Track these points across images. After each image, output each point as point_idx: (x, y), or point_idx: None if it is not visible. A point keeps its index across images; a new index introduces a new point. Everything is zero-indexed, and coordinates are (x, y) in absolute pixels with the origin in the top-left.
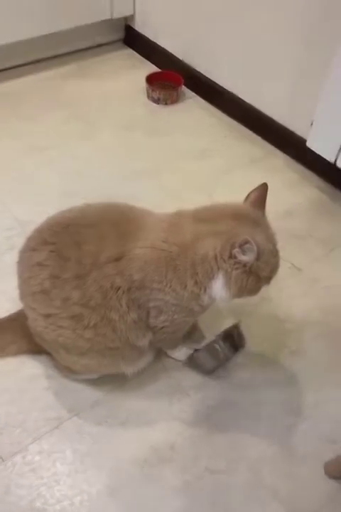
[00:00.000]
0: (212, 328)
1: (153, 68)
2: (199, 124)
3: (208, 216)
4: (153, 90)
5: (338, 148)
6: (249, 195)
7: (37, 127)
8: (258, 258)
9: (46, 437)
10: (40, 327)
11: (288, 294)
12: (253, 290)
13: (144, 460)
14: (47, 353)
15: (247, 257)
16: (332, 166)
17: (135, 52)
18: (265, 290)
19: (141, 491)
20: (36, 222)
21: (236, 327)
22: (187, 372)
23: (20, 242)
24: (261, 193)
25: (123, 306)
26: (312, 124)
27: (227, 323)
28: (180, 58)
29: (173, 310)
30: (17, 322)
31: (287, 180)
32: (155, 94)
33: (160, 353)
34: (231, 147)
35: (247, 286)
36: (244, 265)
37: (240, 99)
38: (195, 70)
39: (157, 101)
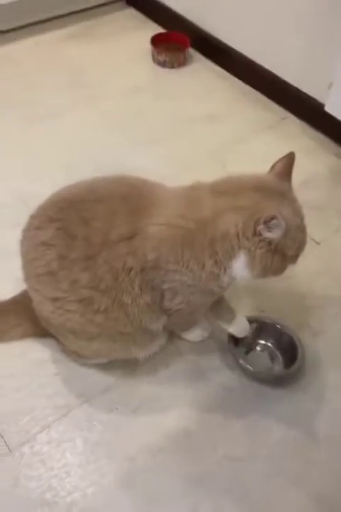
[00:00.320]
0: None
1: (157, 29)
2: (209, 89)
3: (229, 189)
4: (158, 53)
5: None
6: (274, 165)
7: (37, 94)
8: (285, 235)
9: (55, 426)
10: (46, 311)
11: (307, 269)
12: (279, 270)
13: (158, 448)
14: (54, 337)
15: (273, 234)
16: None
17: (138, 12)
18: (290, 269)
19: (156, 480)
20: (40, 197)
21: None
22: (202, 354)
23: (23, 218)
24: (287, 163)
25: (136, 288)
26: (330, 87)
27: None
28: (188, 18)
29: (190, 291)
30: (21, 304)
31: (304, 147)
32: (161, 57)
33: (173, 336)
34: (243, 113)
35: (272, 266)
36: (269, 243)
37: (252, 61)
38: (203, 30)
39: (163, 64)
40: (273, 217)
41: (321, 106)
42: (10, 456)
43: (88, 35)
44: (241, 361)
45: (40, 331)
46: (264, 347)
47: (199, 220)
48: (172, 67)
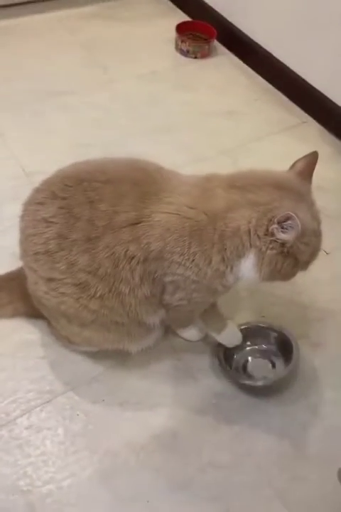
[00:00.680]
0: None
1: (184, 18)
2: (230, 83)
3: (245, 183)
4: (182, 41)
5: None
6: (295, 163)
7: (53, 69)
8: (299, 238)
9: (37, 411)
10: (40, 291)
11: (314, 278)
12: (288, 275)
13: (141, 446)
14: (46, 319)
15: (287, 236)
16: None
17: None
18: (300, 276)
19: (136, 479)
20: (45, 174)
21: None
22: (196, 355)
23: (25, 193)
24: (309, 163)
25: (136, 278)
26: None
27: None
28: (215, 9)
29: (193, 288)
30: (15, 282)
31: (321, 153)
32: (185, 46)
33: (168, 331)
34: (262, 111)
35: (281, 270)
36: (282, 245)
37: (277, 60)
38: (231, 23)
39: (186, 53)
40: (288, 218)
41: None
42: None
43: (112, 16)
44: (241, 381)
45: (32, 311)
46: (257, 351)
47: (210, 213)
48: (195, 57)
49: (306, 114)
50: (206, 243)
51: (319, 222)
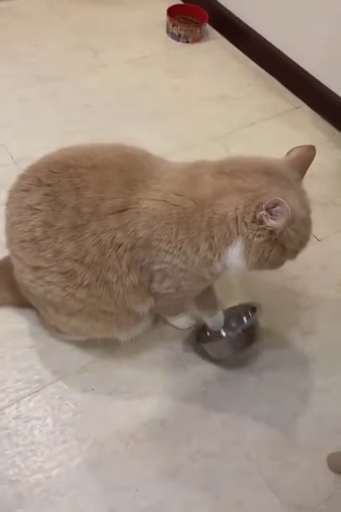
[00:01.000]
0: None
1: (175, 1)
2: (222, 68)
3: (234, 169)
4: (173, 25)
5: None
6: (290, 151)
7: (42, 53)
8: (288, 226)
9: (25, 401)
10: (26, 280)
11: (305, 265)
12: (275, 264)
13: (131, 435)
14: (34, 308)
15: (276, 223)
16: None
17: None
18: (291, 263)
19: (125, 468)
20: (32, 160)
21: (256, 317)
22: (186, 343)
23: (12, 180)
24: (304, 154)
25: (124, 266)
26: None
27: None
28: None
29: (180, 276)
30: (3, 271)
31: (313, 139)
32: (176, 30)
33: (158, 320)
34: (254, 97)
35: (269, 258)
36: (270, 232)
37: (270, 44)
38: (223, 7)
39: (177, 37)
40: (276, 204)
41: (337, 98)
42: None
43: None
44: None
45: (20, 300)
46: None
47: (198, 199)
48: (187, 41)
49: (299, 99)
50: (193, 230)
51: (308, 211)
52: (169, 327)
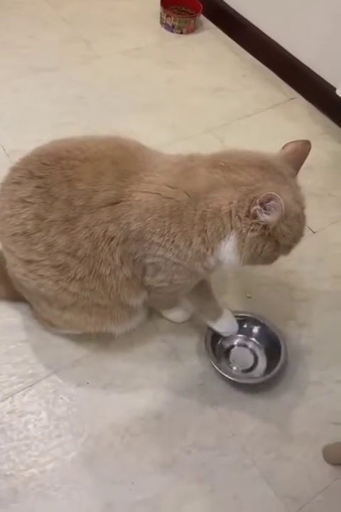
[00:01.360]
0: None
1: None
2: (217, 59)
3: (229, 163)
4: (167, 16)
5: None
6: (285, 146)
7: (34, 44)
8: (281, 221)
9: (19, 395)
10: (19, 274)
11: (300, 258)
12: (268, 259)
13: (126, 429)
14: (27, 302)
15: (270, 217)
16: None
17: None
18: (284, 258)
19: (121, 462)
20: (25, 153)
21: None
22: (181, 336)
23: (3, 173)
24: (299, 149)
25: (116, 259)
26: None
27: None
28: None
29: (173, 269)
30: None
31: (309, 131)
32: (170, 21)
33: (152, 313)
34: (249, 88)
35: (262, 254)
36: (264, 227)
37: (265, 35)
38: None
39: (171, 28)
40: (270, 198)
41: (332, 89)
42: None
43: None
44: (219, 370)
45: (13, 294)
46: (246, 341)
47: (191, 192)
48: (181, 32)
49: (295, 91)
50: (186, 224)
51: (303, 207)
52: (164, 320)
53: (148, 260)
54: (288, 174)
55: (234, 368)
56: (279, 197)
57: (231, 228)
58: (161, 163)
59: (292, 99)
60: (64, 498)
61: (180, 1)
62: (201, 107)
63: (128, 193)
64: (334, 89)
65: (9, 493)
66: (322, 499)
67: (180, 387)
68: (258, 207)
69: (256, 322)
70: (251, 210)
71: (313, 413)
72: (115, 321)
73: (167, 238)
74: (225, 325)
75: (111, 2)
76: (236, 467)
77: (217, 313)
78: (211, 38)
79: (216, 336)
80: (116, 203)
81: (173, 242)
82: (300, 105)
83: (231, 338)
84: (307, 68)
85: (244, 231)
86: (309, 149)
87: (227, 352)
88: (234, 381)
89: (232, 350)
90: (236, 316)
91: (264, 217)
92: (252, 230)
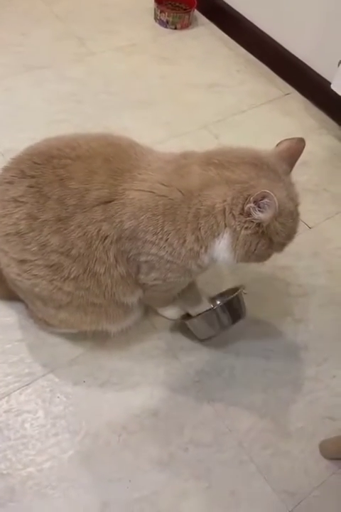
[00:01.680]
0: (210, 287)
1: None
2: (211, 55)
3: (222, 160)
4: (161, 11)
5: None
6: (280, 143)
7: (27, 41)
8: (275, 218)
9: (16, 395)
10: (13, 274)
11: (296, 253)
12: (262, 256)
13: (123, 427)
14: (23, 301)
15: (264, 215)
16: None
17: None
18: (280, 253)
19: (118, 460)
20: (19, 151)
21: (237, 294)
22: (178, 333)
23: None
24: (293, 146)
25: (111, 258)
26: (339, 64)
27: (227, 285)
28: None
29: (167, 267)
30: None
31: (304, 126)
32: (164, 16)
33: (148, 311)
34: (244, 83)
35: (256, 251)
36: (258, 225)
37: (260, 30)
38: None
39: (165, 24)
40: (264, 196)
41: (327, 84)
42: None
43: None
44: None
45: (8, 294)
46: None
47: (185, 190)
48: (175, 28)
49: (289, 86)
50: (180, 222)
51: (296, 204)
52: (160, 318)
53: (142, 258)
54: (282, 172)
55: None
56: (273, 195)
57: (225, 226)
58: (154, 160)
59: (287, 94)
60: (61, 496)
61: None
62: (196, 103)
63: (121, 191)
64: (329, 83)
65: (6, 492)
66: (319, 494)
67: (176, 385)
68: (252, 205)
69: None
70: (245, 208)
71: (310, 408)
72: (110, 320)
73: (160, 236)
74: (200, 311)
75: None
76: (233, 463)
77: (197, 302)
78: (205, 33)
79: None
80: (109, 201)
81: (167, 240)
82: (295, 100)
83: None
84: (302, 63)
85: (238, 229)
86: (303, 147)
87: None
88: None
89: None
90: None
91: (258, 215)
92: (246, 228)
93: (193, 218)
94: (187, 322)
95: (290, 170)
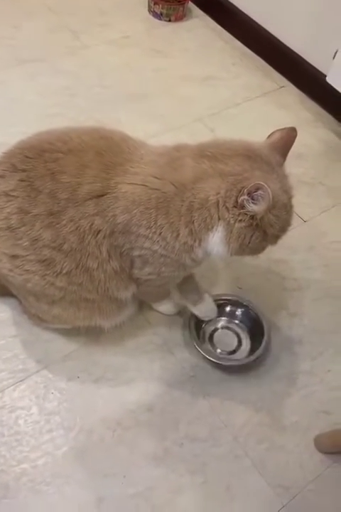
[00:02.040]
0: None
1: None
2: (206, 48)
3: (215, 153)
4: (155, 3)
5: None
6: (272, 134)
7: (20, 35)
8: (269, 210)
9: (9, 391)
10: (5, 269)
11: (291, 247)
12: (257, 249)
13: (117, 422)
14: (16, 297)
15: (258, 207)
16: None
17: None
18: (275, 247)
19: (112, 456)
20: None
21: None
22: (173, 328)
23: None
24: (285, 136)
25: (104, 252)
26: (335, 56)
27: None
28: None
29: (161, 262)
30: None
31: (300, 119)
32: (158, 8)
33: (143, 306)
34: (240, 77)
35: (250, 244)
36: (252, 217)
37: (255, 22)
38: None
39: (159, 16)
40: (258, 188)
41: (323, 77)
42: None
43: None
44: (201, 351)
45: (1, 290)
46: (229, 323)
47: (178, 183)
48: (169, 20)
49: (285, 79)
50: (173, 215)
51: (290, 196)
52: (154, 313)
53: (136, 253)
54: (276, 163)
55: (218, 350)
56: (267, 187)
57: (219, 219)
58: (147, 153)
59: (282, 87)
60: (55, 492)
61: None
62: (190, 96)
63: (113, 185)
64: (325, 76)
65: (0, 488)
66: (314, 488)
67: (171, 380)
68: (245, 197)
69: (238, 304)
70: (239, 201)
71: (305, 402)
72: (104, 315)
73: (154, 230)
74: (204, 309)
75: None
76: (229, 458)
77: (198, 298)
78: (200, 25)
79: (199, 322)
80: (102, 195)
81: (160, 234)
82: (291, 93)
83: (214, 321)
84: (298, 56)
85: (232, 222)
86: (295, 136)
87: (211, 336)
88: (217, 363)
89: (215, 334)
90: (219, 299)
91: (252, 207)
92: (240, 221)
93: (187, 211)
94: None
95: (284, 160)
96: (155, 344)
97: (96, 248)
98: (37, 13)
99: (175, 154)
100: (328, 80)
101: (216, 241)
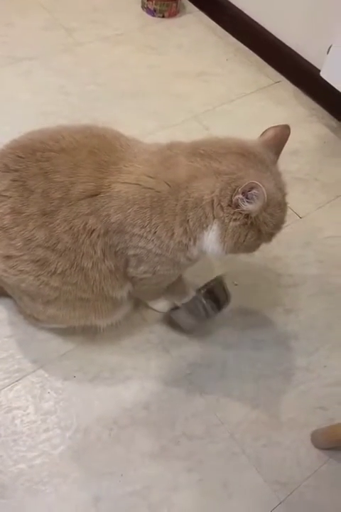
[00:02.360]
0: (200, 280)
1: None
2: (200, 43)
3: (209, 151)
4: (148, 0)
5: None
6: (265, 131)
7: (13, 32)
8: (263, 209)
9: (6, 391)
10: None
11: (286, 243)
12: (251, 247)
13: (114, 421)
14: (11, 297)
15: (252, 206)
16: None
17: None
18: (271, 243)
19: (109, 455)
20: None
21: (219, 282)
22: (169, 326)
23: None
24: (279, 134)
25: (98, 252)
26: (329, 51)
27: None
28: None
29: (156, 261)
30: None
31: (295, 114)
32: (151, 5)
33: (139, 304)
34: (234, 72)
35: (245, 242)
36: (246, 216)
37: (249, 17)
38: None
39: (152, 12)
40: (252, 187)
41: (317, 72)
42: None
43: None
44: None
45: None
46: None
47: (172, 182)
48: (163, 16)
49: (279, 74)
50: (168, 214)
51: (284, 194)
52: (150, 311)
53: (130, 252)
54: (269, 161)
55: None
56: (261, 185)
57: (214, 218)
58: (140, 152)
59: (277, 82)
60: (53, 492)
61: None
62: (185, 93)
63: (107, 184)
64: (319, 71)
65: None
66: (311, 484)
67: (168, 378)
68: (240, 196)
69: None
70: (234, 200)
71: (301, 399)
72: (99, 315)
73: (148, 229)
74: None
75: None
76: (225, 455)
77: (184, 294)
78: (193, 21)
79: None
80: (96, 194)
81: (155, 233)
82: (285, 88)
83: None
84: (292, 51)
85: (227, 220)
86: (288, 134)
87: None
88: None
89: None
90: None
91: (246, 206)
92: (234, 220)
93: (181, 210)
94: (172, 314)
95: (277, 158)
96: (151, 342)
97: (91, 248)
98: (30, 10)
99: (168, 153)
100: (322, 74)
101: (211, 240)
